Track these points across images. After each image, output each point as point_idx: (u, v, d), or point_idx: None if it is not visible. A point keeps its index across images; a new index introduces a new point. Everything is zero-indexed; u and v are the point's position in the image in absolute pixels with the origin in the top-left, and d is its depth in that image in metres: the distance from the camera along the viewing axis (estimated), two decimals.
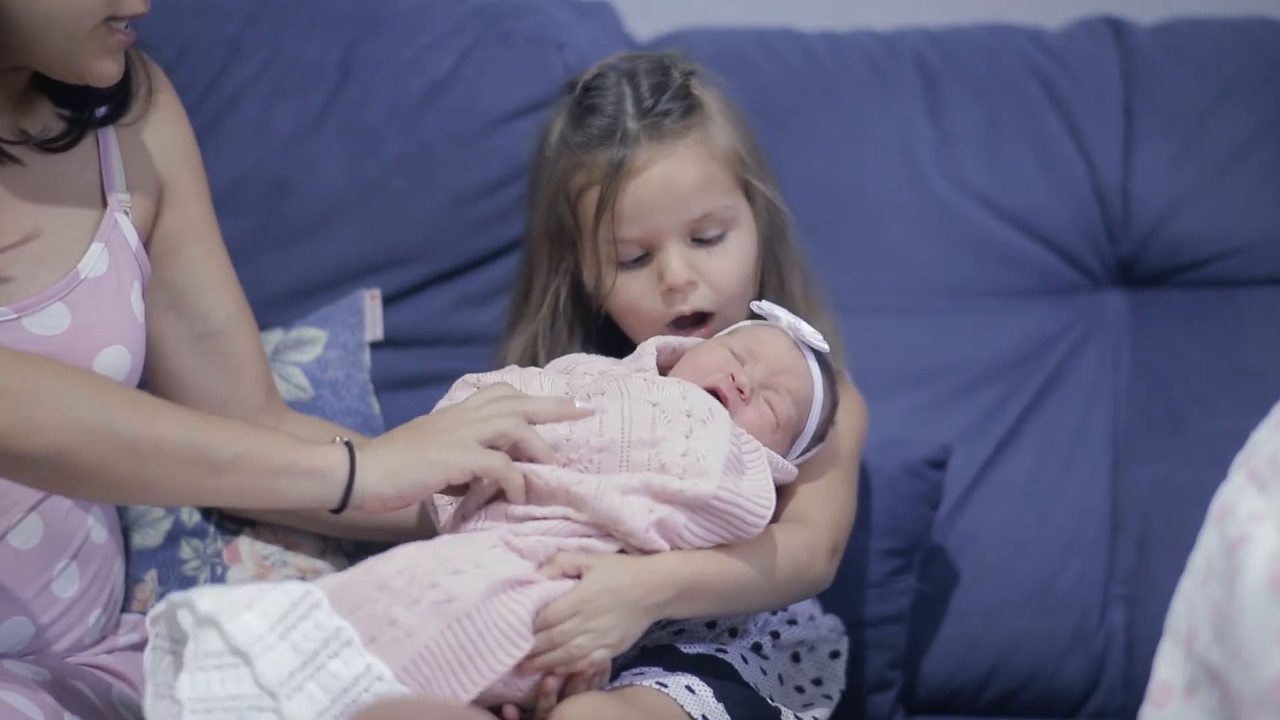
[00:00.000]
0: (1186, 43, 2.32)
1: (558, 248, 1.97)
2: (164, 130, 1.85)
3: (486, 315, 2.23)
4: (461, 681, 1.60)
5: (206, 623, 1.58)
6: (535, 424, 1.71)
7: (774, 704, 1.80)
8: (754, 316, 1.90)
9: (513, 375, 1.84)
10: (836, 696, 1.89)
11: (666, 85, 1.93)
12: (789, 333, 1.85)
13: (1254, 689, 1.24)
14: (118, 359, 1.76)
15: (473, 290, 2.25)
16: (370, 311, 2.15)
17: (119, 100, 1.80)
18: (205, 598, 1.59)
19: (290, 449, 1.66)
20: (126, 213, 1.81)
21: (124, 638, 1.86)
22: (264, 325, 2.16)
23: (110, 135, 1.81)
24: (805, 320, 1.88)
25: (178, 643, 1.61)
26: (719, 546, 1.72)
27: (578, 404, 1.73)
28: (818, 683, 1.88)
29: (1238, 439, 1.36)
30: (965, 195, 2.27)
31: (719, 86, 1.98)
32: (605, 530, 1.69)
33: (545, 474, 1.69)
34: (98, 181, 1.80)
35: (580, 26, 2.29)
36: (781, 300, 1.94)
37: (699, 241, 1.91)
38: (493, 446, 1.70)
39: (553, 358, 1.96)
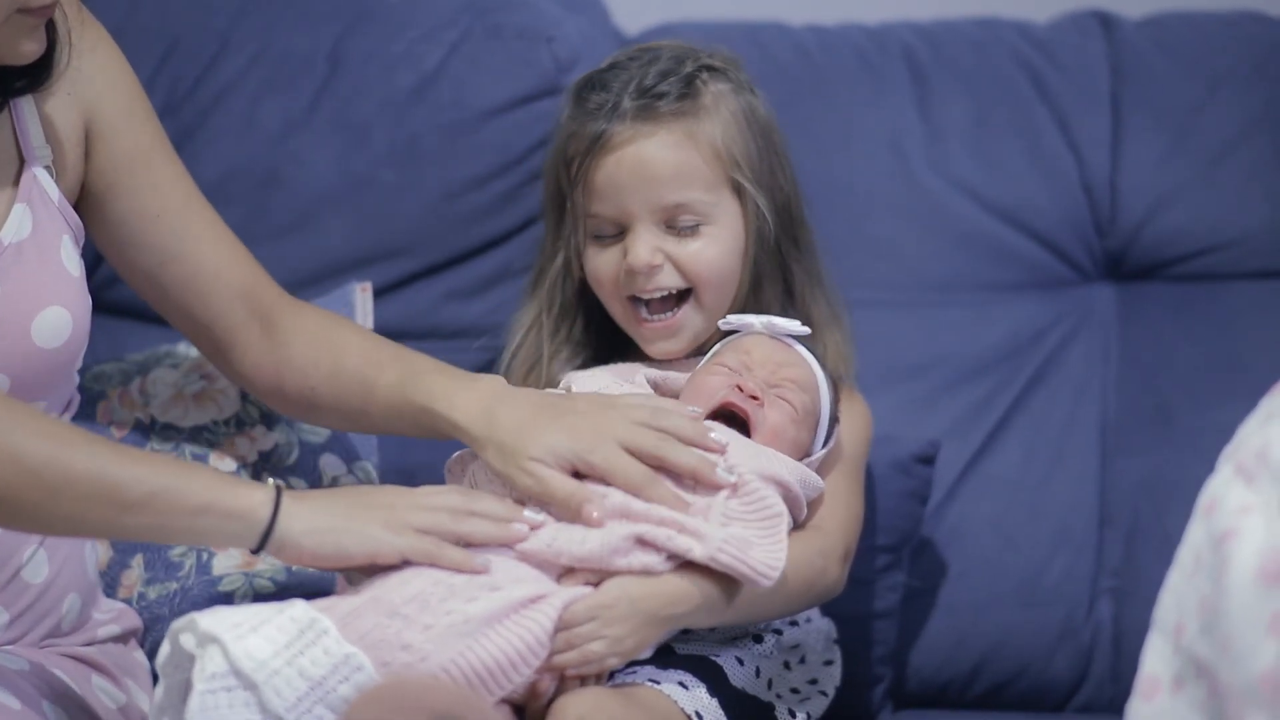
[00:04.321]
0: (1175, 36, 2.32)
1: (562, 215, 1.97)
2: (84, 70, 1.78)
3: (476, 308, 2.23)
4: (479, 693, 1.60)
5: (209, 641, 1.56)
6: (471, 544, 1.66)
7: (766, 700, 1.80)
8: (726, 335, 1.90)
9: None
10: (831, 693, 1.89)
11: (674, 72, 1.92)
12: (766, 332, 1.86)
13: (1242, 682, 1.24)
14: (56, 319, 1.72)
15: (462, 283, 2.25)
16: (361, 304, 2.14)
17: (38, 71, 1.73)
18: (205, 618, 1.57)
19: (211, 489, 1.61)
20: (48, 167, 1.75)
21: (104, 629, 1.85)
22: None
23: None
24: (818, 332, 1.90)
25: (180, 668, 1.59)
26: None
27: (516, 528, 1.68)
28: (813, 682, 1.88)
29: (1226, 432, 1.36)
30: (954, 189, 2.27)
31: (750, 95, 1.96)
32: None
33: (542, 550, 1.67)
34: (11, 141, 1.74)
35: (570, 20, 2.29)
36: (793, 312, 1.95)
37: (673, 229, 1.91)
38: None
39: (554, 339, 1.97)
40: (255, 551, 1.63)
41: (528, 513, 1.69)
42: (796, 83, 2.31)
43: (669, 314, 1.92)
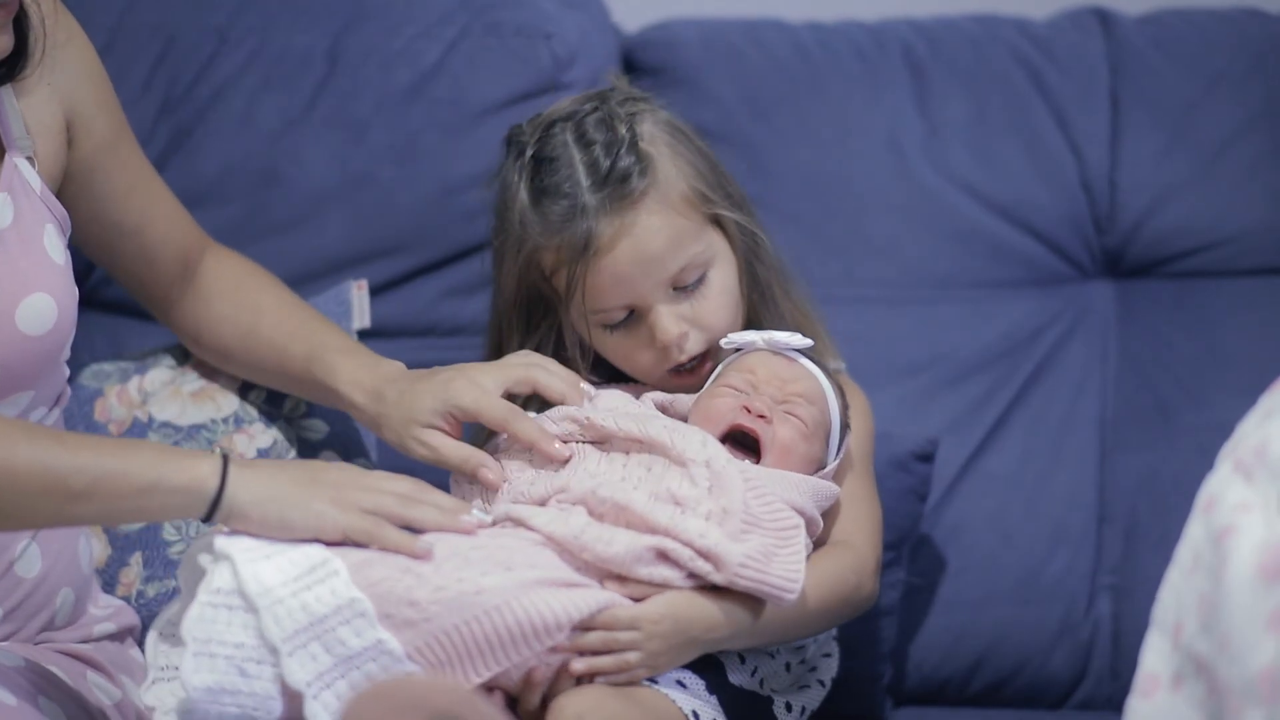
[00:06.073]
0: (1174, 33, 2.32)
1: (535, 313, 1.95)
2: (61, 62, 1.79)
3: (474, 306, 2.23)
4: (476, 666, 1.60)
5: (222, 558, 1.59)
6: (417, 528, 1.66)
7: (764, 695, 1.80)
8: (729, 351, 1.90)
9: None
10: (828, 684, 1.89)
11: (616, 142, 1.88)
12: (768, 348, 1.86)
13: (1241, 679, 1.24)
14: (41, 307, 1.72)
15: (460, 281, 2.25)
16: (357, 301, 2.14)
17: (13, 62, 1.73)
18: (222, 538, 1.61)
19: (155, 465, 1.61)
20: (29, 157, 1.76)
21: (100, 626, 1.85)
22: None
23: None
24: (800, 329, 1.90)
25: (193, 592, 1.62)
26: None
27: (464, 518, 1.68)
28: (811, 670, 1.88)
29: (1224, 429, 1.36)
30: (952, 186, 2.27)
31: (663, 111, 1.94)
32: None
33: (569, 540, 1.66)
34: None
35: (568, 17, 2.29)
36: (769, 313, 1.95)
37: (682, 289, 1.90)
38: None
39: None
40: (205, 521, 1.63)
41: (476, 511, 1.70)
42: (795, 80, 2.31)
43: (693, 365, 1.92)
